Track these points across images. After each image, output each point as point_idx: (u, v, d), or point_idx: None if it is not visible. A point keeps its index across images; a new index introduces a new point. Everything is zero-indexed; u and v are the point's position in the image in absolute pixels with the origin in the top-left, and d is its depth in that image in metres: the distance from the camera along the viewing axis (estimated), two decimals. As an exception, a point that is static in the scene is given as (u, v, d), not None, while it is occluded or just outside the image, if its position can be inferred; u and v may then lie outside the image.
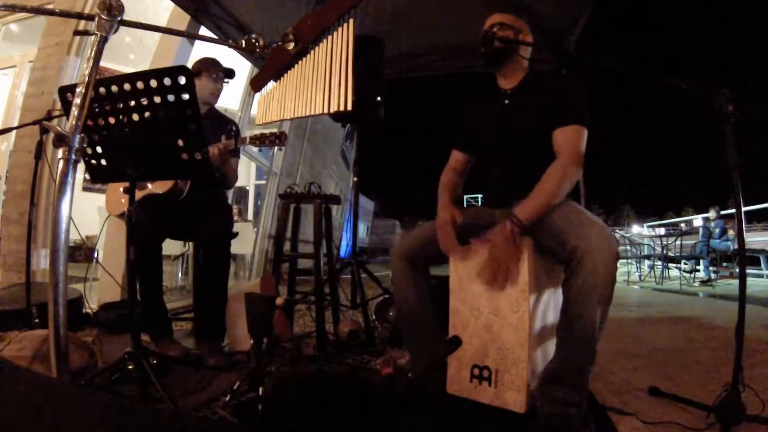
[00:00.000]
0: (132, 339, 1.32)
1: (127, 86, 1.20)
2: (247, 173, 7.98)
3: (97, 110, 1.24)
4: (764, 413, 1.19)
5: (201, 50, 3.19)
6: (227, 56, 2.98)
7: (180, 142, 1.28)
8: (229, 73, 2.10)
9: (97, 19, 0.87)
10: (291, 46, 1.86)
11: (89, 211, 3.11)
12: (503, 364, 1.26)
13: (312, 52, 2.12)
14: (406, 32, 3.06)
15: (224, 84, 2.11)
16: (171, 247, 3.56)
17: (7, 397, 0.56)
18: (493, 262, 1.27)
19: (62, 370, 0.83)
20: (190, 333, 2.28)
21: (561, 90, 1.39)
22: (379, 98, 2.19)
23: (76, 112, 0.85)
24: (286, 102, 2.20)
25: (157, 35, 3.52)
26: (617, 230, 13.13)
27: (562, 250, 1.18)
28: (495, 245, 1.26)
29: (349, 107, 1.95)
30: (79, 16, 1.22)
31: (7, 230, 3.36)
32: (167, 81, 1.18)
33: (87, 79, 0.87)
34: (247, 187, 8.31)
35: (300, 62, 2.16)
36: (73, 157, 0.84)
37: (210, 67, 2.02)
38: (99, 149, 1.33)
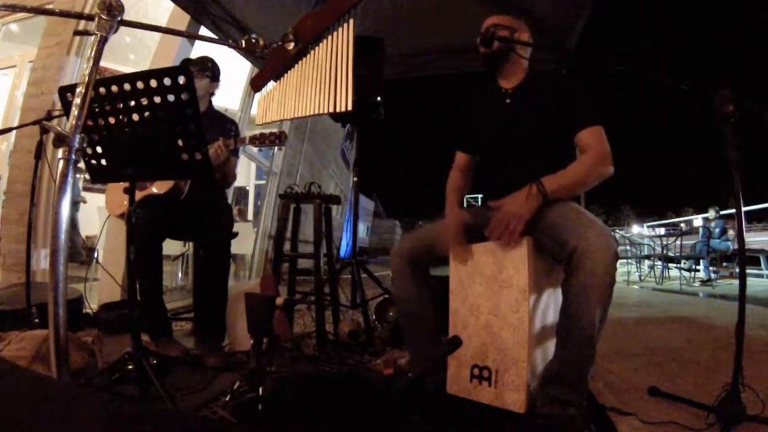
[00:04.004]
0: (132, 339, 1.32)
1: (127, 86, 1.20)
2: (247, 173, 7.98)
3: (97, 110, 1.24)
4: (764, 413, 1.19)
5: (201, 50, 3.18)
6: (227, 56, 2.99)
7: (180, 142, 1.29)
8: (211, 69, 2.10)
9: (97, 19, 0.87)
10: (291, 46, 1.86)
11: (89, 211, 3.11)
12: (503, 364, 1.26)
13: (312, 52, 2.11)
14: (406, 32, 3.05)
15: (215, 84, 2.11)
16: (171, 247, 3.56)
17: (7, 397, 0.56)
18: (504, 215, 1.24)
19: (62, 370, 0.83)
20: (190, 333, 2.28)
21: (567, 91, 1.38)
22: (379, 98, 2.19)
23: (76, 112, 0.85)
24: (287, 102, 2.20)
25: (157, 35, 3.52)
26: (617, 230, 13.12)
27: (561, 250, 1.17)
28: (512, 201, 1.25)
29: (349, 107, 1.94)
30: (79, 16, 1.22)
31: (7, 230, 3.37)
32: (167, 81, 1.18)
33: (87, 79, 0.87)
34: (247, 187, 8.31)
35: (300, 62, 2.16)
36: (73, 157, 0.84)
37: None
38: (99, 149, 1.33)
